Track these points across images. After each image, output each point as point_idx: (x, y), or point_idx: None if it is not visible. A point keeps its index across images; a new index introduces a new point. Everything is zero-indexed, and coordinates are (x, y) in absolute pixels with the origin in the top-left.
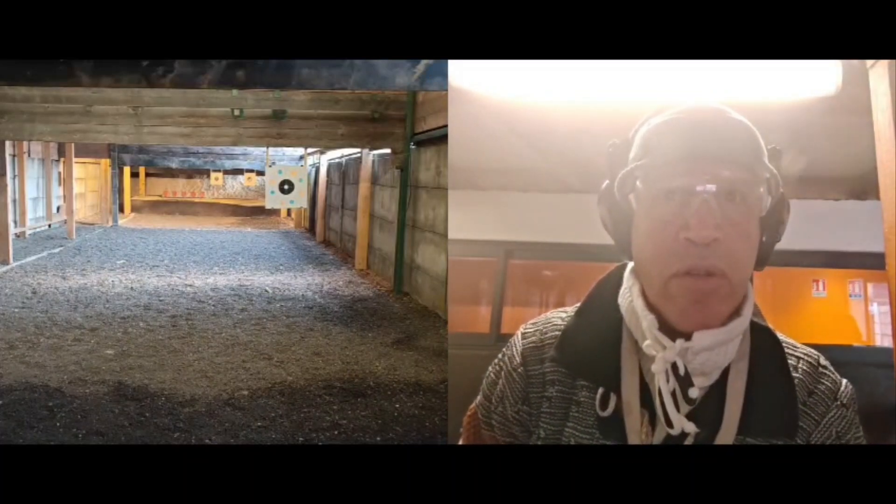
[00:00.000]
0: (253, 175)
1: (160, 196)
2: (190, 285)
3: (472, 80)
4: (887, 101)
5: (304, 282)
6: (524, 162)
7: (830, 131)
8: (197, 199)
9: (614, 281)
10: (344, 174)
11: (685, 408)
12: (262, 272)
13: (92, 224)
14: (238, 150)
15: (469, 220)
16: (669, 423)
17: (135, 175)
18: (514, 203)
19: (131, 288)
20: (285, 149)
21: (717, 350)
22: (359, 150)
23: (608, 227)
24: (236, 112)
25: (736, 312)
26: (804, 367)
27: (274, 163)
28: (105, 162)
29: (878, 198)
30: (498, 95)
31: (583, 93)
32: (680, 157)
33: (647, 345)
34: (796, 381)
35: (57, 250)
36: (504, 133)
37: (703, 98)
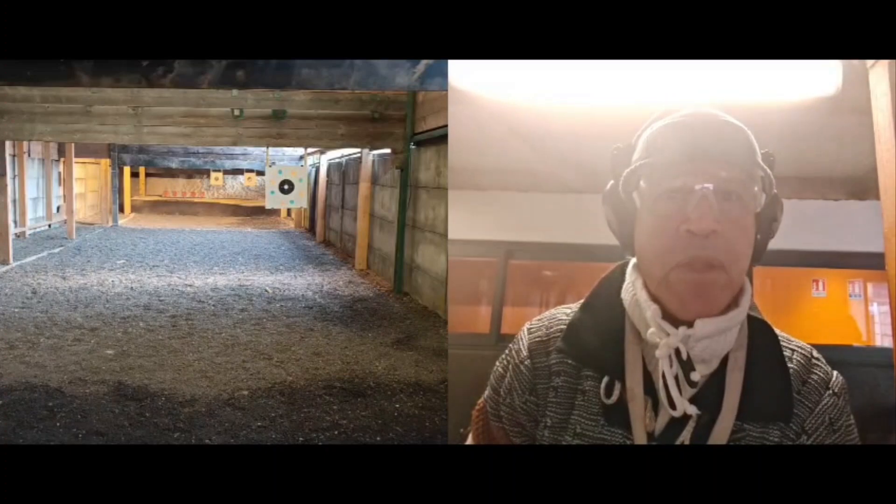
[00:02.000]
0: (253, 175)
1: (160, 196)
2: (190, 285)
3: (473, 80)
4: (887, 101)
5: (304, 282)
6: (524, 163)
7: (830, 131)
8: (197, 199)
9: (617, 277)
10: (344, 174)
11: (688, 391)
12: (262, 272)
13: (92, 224)
14: (238, 150)
15: (469, 221)
16: (673, 405)
17: (135, 175)
18: (514, 203)
19: (131, 288)
20: (285, 149)
21: (716, 338)
22: (359, 150)
23: (612, 224)
24: (236, 112)
25: (734, 303)
26: (798, 359)
27: (274, 163)
28: (105, 162)
29: (878, 198)
30: (497, 96)
31: (583, 94)
32: (681, 158)
33: (650, 333)
34: (791, 371)
35: (57, 250)
36: (504, 133)
37: (701, 103)
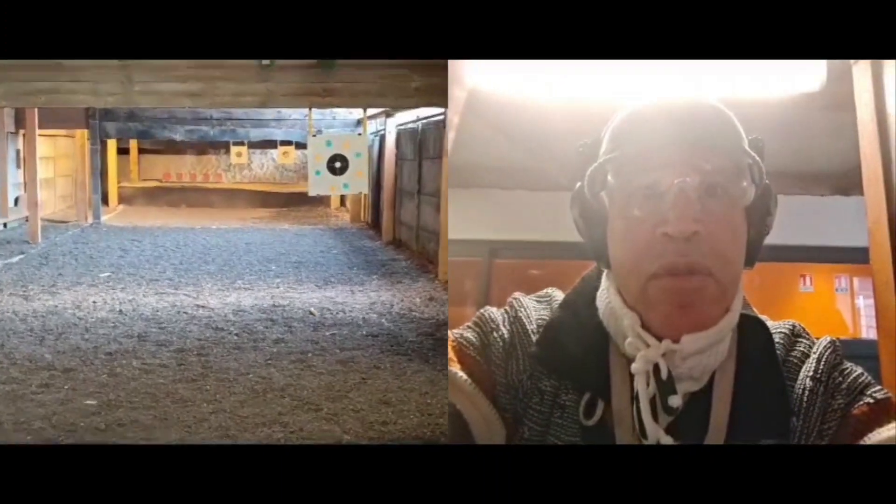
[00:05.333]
0: (290, 149)
1: (159, 181)
2: (203, 306)
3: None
4: (870, 98)
5: (365, 299)
6: (507, 160)
7: (815, 127)
8: (211, 185)
9: (596, 277)
10: (420, 145)
11: (664, 418)
12: (306, 286)
13: (64, 222)
14: (269, 113)
15: (462, 220)
16: (644, 434)
17: (123, 152)
18: (501, 201)
19: (120, 311)
20: (336, 110)
21: (707, 352)
22: (441, 109)
23: (581, 230)
24: (265, 61)
25: (725, 309)
26: (779, 340)
27: (320, 131)
28: (81, 134)
29: (862, 193)
30: (480, 91)
31: (571, 89)
32: (653, 148)
33: (628, 343)
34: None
35: (15, 259)
36: (486, 129)
37: (674, 88)
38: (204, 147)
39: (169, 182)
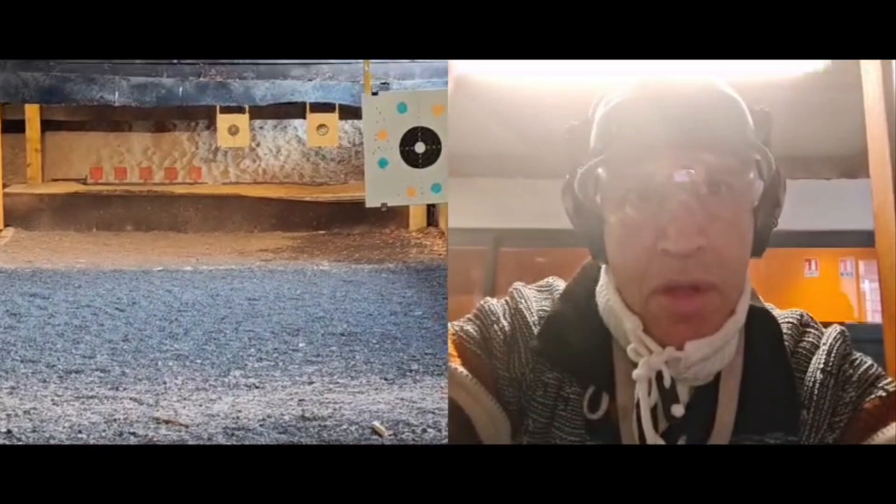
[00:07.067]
0: (330, 119)
1: (82, 182)
2: (168, 421)
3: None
4: (877, 78)
5: None
6: (506, 147)
7: (820, 109)
8: (182, 188)
9: (594, 269)
10: None
11: (665, 424)
12: (364, 380)
13: None
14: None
15: (469, 209)
16: (643, 440)
17: (13, 128)
18: (502, 190)
19: (8, 433)
20: None
21: (713, 358)
22: None
23: (575, 224)
24: None
25: (730, 312)
26: (786, 331)
27: (385, 84)
28: None
29: (868, 176)
30: (476, 77)
31: (568, 74)
32: (648, 146)
33: (630, 348)
34: (786, 349)
35: None
36: (485, 117)
37: (672, 67)
38: (167, 118)
39: (100, 184)
